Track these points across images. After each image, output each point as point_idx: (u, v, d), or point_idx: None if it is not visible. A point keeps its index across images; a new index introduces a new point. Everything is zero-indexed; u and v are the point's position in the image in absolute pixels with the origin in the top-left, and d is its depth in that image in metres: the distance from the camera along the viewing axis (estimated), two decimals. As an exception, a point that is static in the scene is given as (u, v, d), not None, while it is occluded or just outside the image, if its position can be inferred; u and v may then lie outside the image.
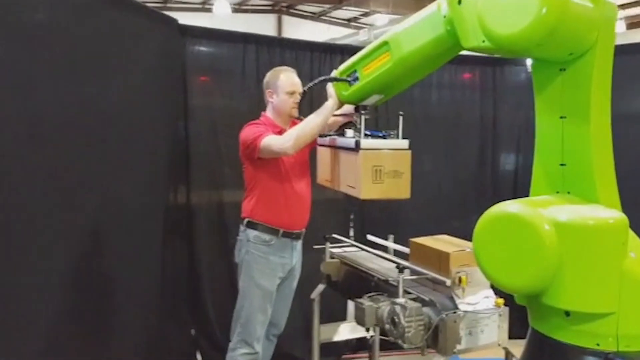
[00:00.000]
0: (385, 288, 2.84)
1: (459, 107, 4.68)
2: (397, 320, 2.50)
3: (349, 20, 16.76)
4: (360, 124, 2.67)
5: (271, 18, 17.29)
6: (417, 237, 3.60)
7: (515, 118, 4.71)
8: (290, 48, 4.04)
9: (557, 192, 2.12)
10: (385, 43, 2.41)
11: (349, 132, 2.76)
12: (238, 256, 3.17)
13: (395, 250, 3.38)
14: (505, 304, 2.60)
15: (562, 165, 2.09)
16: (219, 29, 4.03)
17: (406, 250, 3.23)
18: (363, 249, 3.36)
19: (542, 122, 2.13)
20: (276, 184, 3.06)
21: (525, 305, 2.09)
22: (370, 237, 3.58)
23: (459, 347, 2.51)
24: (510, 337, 2.65)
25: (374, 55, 2.50)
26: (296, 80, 3.15)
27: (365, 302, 2.66)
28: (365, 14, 15.94)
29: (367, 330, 2.78)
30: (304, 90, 2.92)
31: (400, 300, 2.55)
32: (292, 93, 3.10)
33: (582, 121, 2.01)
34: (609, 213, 1.86)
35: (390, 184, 2.58)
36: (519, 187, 4.70)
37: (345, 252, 3.45)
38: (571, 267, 1.81)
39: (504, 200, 4.57)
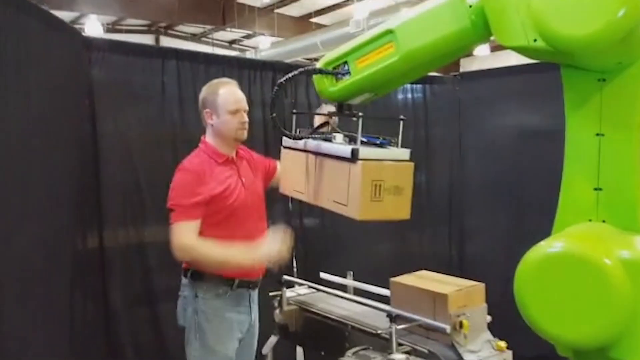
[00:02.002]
0: (365, 339, 2.44)
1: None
2: (398, 381, 2.10)
3: (230, 42, 16.31)
4: (357, 126, 2.14)
5: (148, 39, 16.35)
6: (363, 267, 3.26)
7: (446, 136, 4.56)
8: (216, 64, 3.54)
9: (590, 221, 1.84)
10: (390, 32, 1.98)
11: (339, 137, 2.26)
12: (183, 317, 2.57)
13: (355, 289, 3.01)
14: (507, 347, 2.31)
15: (597, 189, 1.82)
16: (132, 42, 3.46)
17: (368, 287, 2.87)
18: (325, 292, 2.92)
19: (574, 139, 1.84)
20: (226, 230, 2.53)
21: (570, 357, 1.79)
22: (324, 275, 3.16)
23: (469, 405, 2.17)
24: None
25: (373, 46, 2.05)
26: (239, 95, 2.61)
27: (353, 360, 2.24)
28: (248, 36, 15.60)
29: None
30: (280, 83, 2.29)
31: (400, 356, 2.16)
32: (236, 112, 2.57)
33: (624, 139, 1.75)
34: (680, 245, 1.60)
35: (390, 202, 2.12)
36: (454, 204, 4.53)
37: (299, 295, 3.00)
38: (645, 313, 1.52)
39: (441, 217, 4.50)
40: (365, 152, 2.09)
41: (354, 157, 2.07)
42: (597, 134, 1.79)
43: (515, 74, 4.32)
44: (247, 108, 2.63)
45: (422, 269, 2.71)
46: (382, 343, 2.34)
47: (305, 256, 3.82)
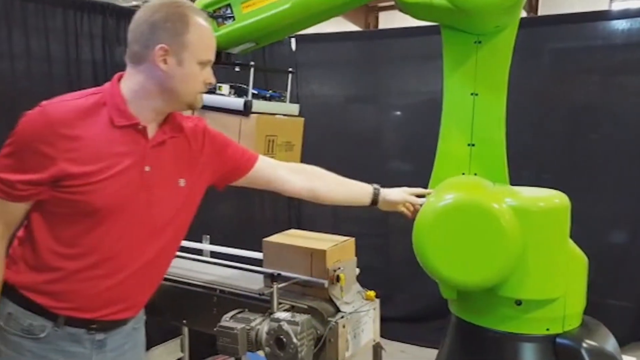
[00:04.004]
0: (236, 302, 2.38)
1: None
2: (285, 340, 2.09)
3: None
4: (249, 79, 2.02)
5: None
6: (210, 232, 3.17)
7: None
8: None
9: (463, 174, 2.01)
10: None
11: (225, 88, 2.08)
12: None
13: (211, 253, 2.92)
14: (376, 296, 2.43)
15: (470, 145, 1.98)
16: None
17: (228, 251, 2.81)
18: (186, 258, 2.77)
19: (451, 99, 1.97)
20: (83, 254, 1.53)
21: (452, 299, 1.95)
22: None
23: (347, 354, 2.24)
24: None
25: None
26: (213, 40, 1.62)
27: (234, 324, 2.17)
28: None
29: (238, 360, 2.29)
30: None
31: (284, 314, 2.14)
32: (206, 64, 1.59)
33: (496, 99, 1.93)
34: (551, 192, 1.82)
35: (282, 158, 2.04)
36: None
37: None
38: (528, 254, 1.72)
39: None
40: (258, 105, 2.00)
41: (246, 110, 1.97)
42: (472, 94, 1.94)
43: (349, 39, 4.53)
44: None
45: (265, 231, 2.70)
46: (256, 305, 2.31)
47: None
